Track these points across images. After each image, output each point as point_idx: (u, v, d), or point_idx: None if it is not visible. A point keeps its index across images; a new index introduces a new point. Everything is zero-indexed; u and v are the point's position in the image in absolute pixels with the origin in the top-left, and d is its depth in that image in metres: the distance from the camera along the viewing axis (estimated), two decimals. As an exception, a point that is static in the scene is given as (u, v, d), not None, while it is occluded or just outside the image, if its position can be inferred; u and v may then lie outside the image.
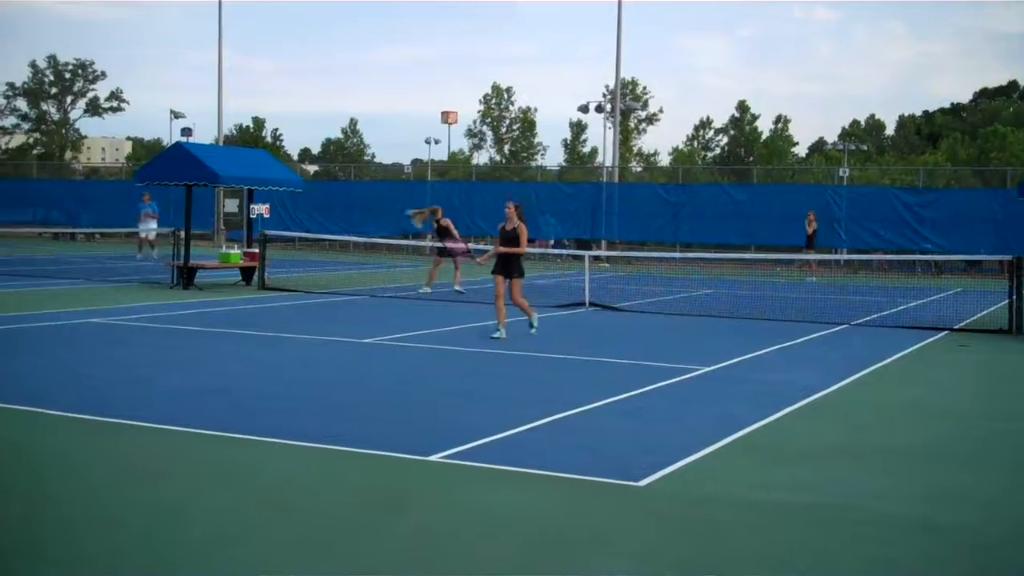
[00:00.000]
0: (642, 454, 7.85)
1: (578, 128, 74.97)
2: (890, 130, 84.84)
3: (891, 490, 7.11)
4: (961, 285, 27.85)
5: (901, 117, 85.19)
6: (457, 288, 21.22)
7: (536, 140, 75.94)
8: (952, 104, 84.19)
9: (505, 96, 75.41)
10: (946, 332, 16.62)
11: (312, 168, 68.64)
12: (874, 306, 19.84)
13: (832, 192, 36.47)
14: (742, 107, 76.91)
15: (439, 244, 21.63)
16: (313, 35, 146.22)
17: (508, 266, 14.68)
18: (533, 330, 14.85)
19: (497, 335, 14.34)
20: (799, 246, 34.51)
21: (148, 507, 6.34)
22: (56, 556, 5.45)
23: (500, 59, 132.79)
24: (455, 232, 21.57)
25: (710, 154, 78.02)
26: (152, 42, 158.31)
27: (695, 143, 78.28)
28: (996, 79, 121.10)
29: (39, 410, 8.90)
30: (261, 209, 24.88)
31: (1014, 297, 16.73)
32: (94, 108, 78.11)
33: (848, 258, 35.02)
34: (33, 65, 76.76)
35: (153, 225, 32.64)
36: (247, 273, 23.00)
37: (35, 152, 75.66)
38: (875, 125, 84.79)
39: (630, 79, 70.32)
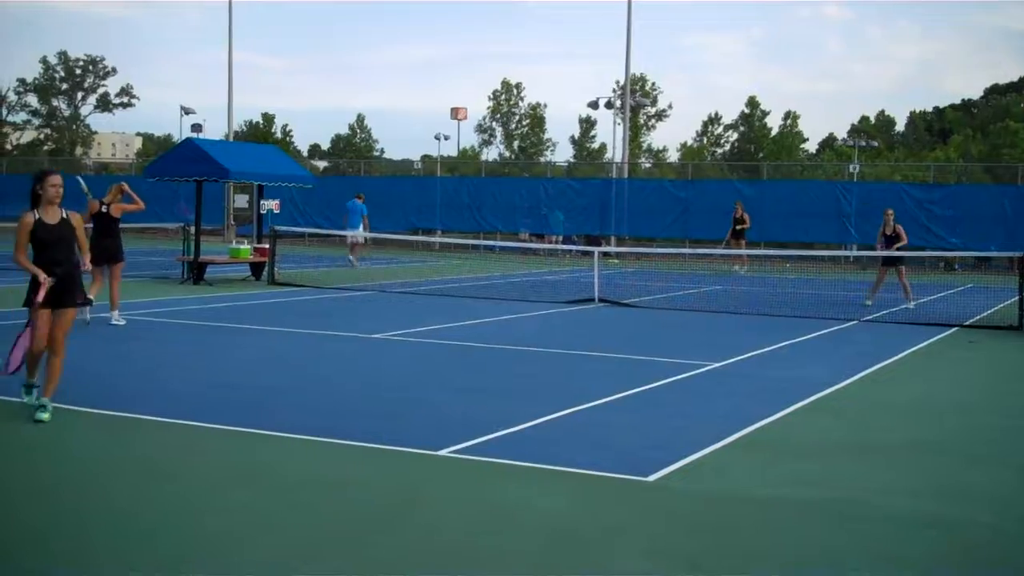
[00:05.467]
0: (651, 449, 7.86)
1: (587, 124, 75.03)
2: (900, 126, 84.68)
3: (900, 486, 7.11)
4: (971, 281, 27.77)
5: (912, 113, 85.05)
6: (910, 305, 19.44)
7: (545, 136, 76.03)
8: (963, 100, 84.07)
9: (515, 92, 75.48)
10: (956, 328, 16.59)
11: (322, 164, 68.72)
12: (883, 302, 19.81)
13: (842, 188, 36.39)
14: (752, 103, 76.82)
15: (887, 251, 19.77)
16: (323, 31, 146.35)
17: (65, 287, 8.66)
18: (42, 415, 8.31)
19: (44, 416, 8.32)
20: (810, 242, 34.52)
21: (160, 503, 6.37)
22: (66, 553, 5.47)
23: (510, 55, 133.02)
24: (904, 237, 19.79)
25: (719, 150, 77.92)
26: (163, 38, 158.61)
27: (704, 139, 78.21)
28: (1008, 75, 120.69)
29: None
30: (271, 205, 24.94)
31: (1024, 294, 16.70)
32: (104, 104, 78.45)
33: (858, 254, 34.94)
34: (44, 61, 77.25)
35: (360, 228, 29.41)
36: (257, 268, 23.06)
37: (46, 148, 76.00)
38: (885, 121, 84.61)
39: (639, 75, 70.35)
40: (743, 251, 30.02)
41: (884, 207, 34.76)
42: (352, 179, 46.53)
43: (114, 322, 14.34)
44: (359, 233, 29.38)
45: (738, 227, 30.89)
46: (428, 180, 44.39)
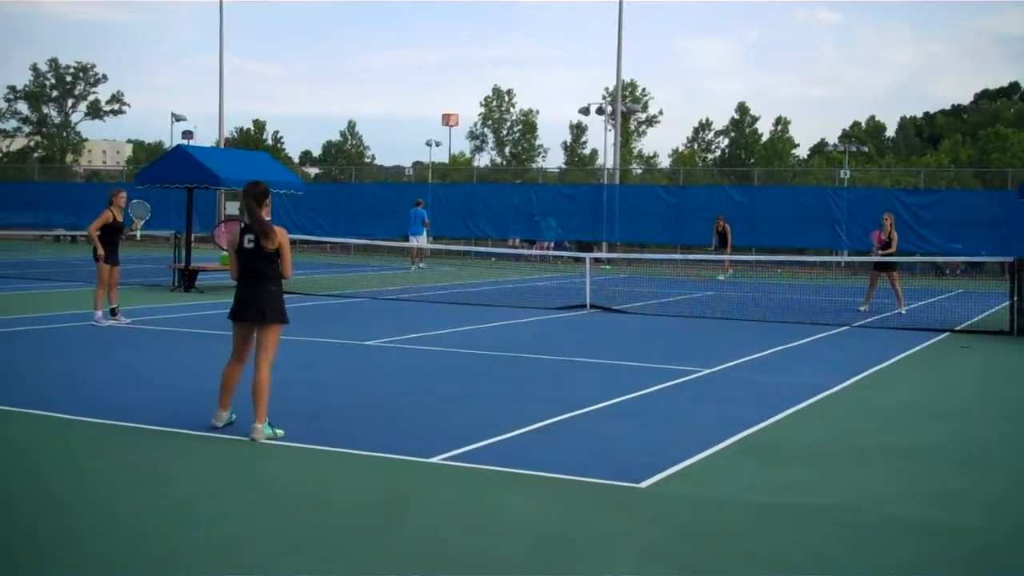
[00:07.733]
0: (644, 456, 7.85)
1: (578, 130, 75.10)
2: (891, 131, 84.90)
3: (892, 492, 7.12)
4: (962, 287, 27.86)
5: (902, 118, 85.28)
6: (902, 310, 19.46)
7: (537, 142, 76.08)
8: (953, 105, 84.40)
9: (506, 98, 75.50)
10: (947, 334, 16.63)
11: (313, 171, 68.70)
12: (875, 307, 19.84)
13: (833, 194, 36.47)
14: (742, 109, 76.99)
15: (876, 257, 19.92)
16: (314, 38, 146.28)
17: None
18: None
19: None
20: (801, 248, 34.57)
21: (152, 510, 6.35)
22: (60, 559, 5.45)
23: (501, 61, 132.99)
24: (895, 243, 19.83)
25: (710, 156, 78.07)
26: (153, 45, 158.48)
27: (695, 145, 78.35)
28: (997, 80, 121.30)
29: (41, 412, 8.91)
30: (262, 212, 24.88)
31: (1015, 299, 16.75)
32: (95, 111, 78.21)
33: (849, 259, 35.03)
34: (34, 68, 76.95)
35: (424, 233, 32.05)
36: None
37: (36, 155, 75.74)
38: (876, 126, 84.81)
39: (630, 81, 70.46)
40: (726, 256, 30.00)
41: (875, 212, 35.01)
42: (343, 186, 46.53)
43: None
44: (422, 240, 31.69)
45: (714, 243, 30.84)
46: (419, 187, 44.35)
